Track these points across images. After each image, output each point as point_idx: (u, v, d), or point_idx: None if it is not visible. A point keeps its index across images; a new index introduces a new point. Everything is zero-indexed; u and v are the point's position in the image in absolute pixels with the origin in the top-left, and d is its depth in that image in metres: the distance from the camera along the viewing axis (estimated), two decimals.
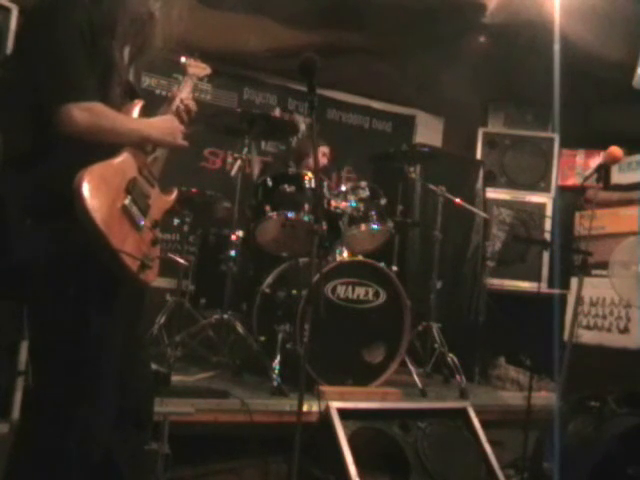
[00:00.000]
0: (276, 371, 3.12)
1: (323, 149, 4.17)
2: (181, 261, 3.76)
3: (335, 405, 2.83)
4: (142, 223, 1.82)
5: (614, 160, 3.14)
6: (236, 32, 4.46)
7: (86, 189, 1.62)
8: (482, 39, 4.39)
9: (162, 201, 1.99)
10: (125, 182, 1.77)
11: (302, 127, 4.26)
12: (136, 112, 1.92)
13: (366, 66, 4.98)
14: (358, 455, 2.70)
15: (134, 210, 1.78)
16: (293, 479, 2.32)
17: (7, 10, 3.92)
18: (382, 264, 3.46)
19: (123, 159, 1.79)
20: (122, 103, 1.88)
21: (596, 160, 5.11)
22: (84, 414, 1.76)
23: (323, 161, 4.19)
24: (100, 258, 1.71)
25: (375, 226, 3.63)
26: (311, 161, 4.12)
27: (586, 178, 3.27)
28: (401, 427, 2.91)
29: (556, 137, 5.21)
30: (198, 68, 2.30)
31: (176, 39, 1.99)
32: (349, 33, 4.50)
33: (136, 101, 1.95)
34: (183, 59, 2.30)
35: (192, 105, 2.10)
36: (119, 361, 1.85)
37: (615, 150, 3.08)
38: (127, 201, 1.75)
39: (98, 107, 1.74)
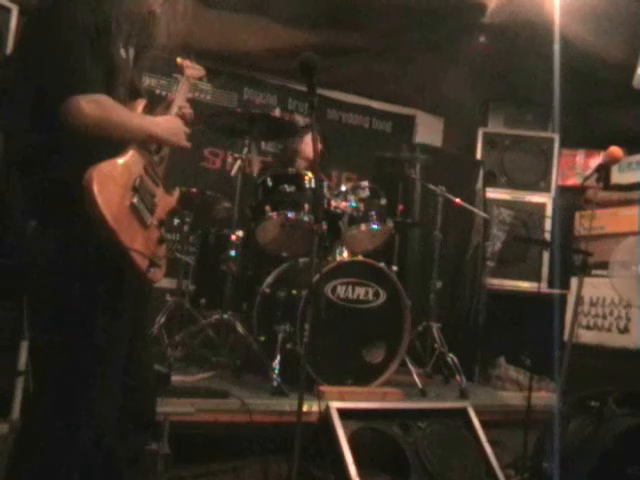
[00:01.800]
0: (276, 371, 3.11)
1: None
2: (188, 260, 3.78)
3: (335, 405, 2.82)
4: (149, 222, 1.82)
5: (614, 160, 3.13)
6: (236, 32, 4.46)
7: (96, 186, 1.61)
8: (482, 39, 4.39)
9: (166, 201, 1.99)
10: (132, 180, 1.77)
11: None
12: (139, 111, 1.92)
13: (366, 66, 4.98)
14: (358, 455, 2.69)
15: (142, 208, 1.78)
16: (293, 479, 2.32)
17: (7, 10, 3.94)
18: (382, 264, 3.46)
19: (130, 157, 1.79)
20: (125, 103, 1.88)
21: (596, 160, 5.11)
22: (87, 415, 1.76)
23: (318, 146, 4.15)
24: (109, 256, 1.71)
25: (375, 226, 3.63)
26: (303, 161, 4.12)
27: (586, 178, 3.27)
28: (401, 427, 2.90)
29: (556, 137, 5.20)
30: (194, 70, 2.30)
31: (181, 36, 1.99)
32: (349, 33, 4.50)
33: (139, 100, 1.94)
34: (179, 60, 2.30)
35: (188, 110, 2.11)
36: (123, 362, 1.85)
37: (615, 150, 3.08)
38: (135, 199, 1.75)
39: (105, 99, 1.73)
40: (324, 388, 3.07)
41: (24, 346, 3.33)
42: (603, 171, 3.15)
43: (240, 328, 3.37)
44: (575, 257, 4.10)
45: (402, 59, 4.77)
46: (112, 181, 1.68)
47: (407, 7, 4.04)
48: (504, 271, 4.96)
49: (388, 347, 3.42)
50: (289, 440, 2.30)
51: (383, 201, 3.68)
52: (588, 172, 3.77)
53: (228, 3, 4.23)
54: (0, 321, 3.49)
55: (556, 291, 4.30)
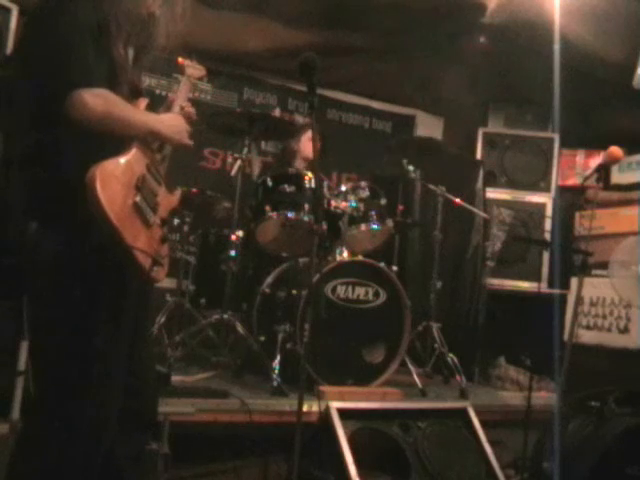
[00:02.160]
0: (276, 371, 3.12)
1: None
2: (189, 260, 3.79)
3: (335, 405, 2.83)
4: (152, 220, 1.82)
5: (614, 160, 3.14)
6: (236, 32, 4.46)
7: (99, 185, 1.60)
8: (482, 39, 4.40)
9: (168, 200, 1.99)
10: (134, 179, 1.76)
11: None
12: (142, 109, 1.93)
13: (366, 66, 5.00)
14: (358, 455, 2.69)
15: (145, 207, 1.77)
16: (293, 479, 2.33)
17: (7, 10, 3.95)
18: (382, 264, 3.47)
19: (132, 155, 1.78)
20: (128, 101, 1.88)
21: (596, 160, 5.12)
22: (88, 415, 1.76)
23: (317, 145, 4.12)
24: (112, 256, 1.71)
25: (375, 226, 3.64)
26: (301, 161, 4.12)
27: (586, 178, 3.28)
28: (401, 427, 2.91)
29: (556, 137, 5.21)
30: (195, 69, 2.30)
31: (179, 37, 1.99)
32: (349, 33, 4.51)
33: (141, 99, 1.94)
34: (180, 60, 2.31)
35: (190, 110, 2.11)
36: (125, 362, 1.85)
37: (615, 150, 3.08)
38: (138, 198, 1.74)
39: (108, 93, 1.73)
40: (324, 388, 3.08)
41: (24, 346, 3.34)
42: (603, 171, 3.16)
43: (240, 328, 3.37)
44: (575, 257, 4.10)
45: (402, 59, 4.78)
46: (115, 180, 1.67)
47: (407, 7, 4.05)
48: (504, 271, 4.96)
49: (388, 347, 3.42)
50: (289, 440, 2.31)
51: (383, 201, 3.69)
52: (588, 172, 3.77)
53: (228, 3, 4.24)
54: (0, 321, 3.51)
55: (556, 291, 4.31)
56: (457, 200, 4.02)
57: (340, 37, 4.52)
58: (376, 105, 5.59)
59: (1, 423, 3.25)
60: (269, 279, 3.58)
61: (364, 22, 4.31)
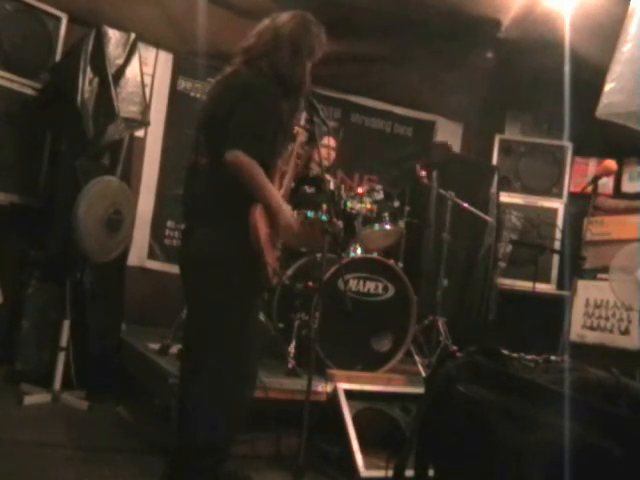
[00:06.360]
0: (291, 355, 3.42)
1: (331, 142, 4.24)
2: None
3: (342, 386, 3.11)
4: (278, 247, 2.49)
5: (608, 172, 3.37)
6: None
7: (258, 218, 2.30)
8: (489, 54, 4.61)
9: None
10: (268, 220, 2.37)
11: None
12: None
13: (389, 74, 5.20)
14: (361, 432, 2.96)
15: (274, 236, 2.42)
16: (302, 451, 2.62)
17: (57, 19, 4.31)
18: (391, 261, 3.74)
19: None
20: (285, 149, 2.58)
21: None
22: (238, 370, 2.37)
23: (332, 155, 4.26)
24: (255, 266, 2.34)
25: (387, 226, 3.90)
26: (316, 166, 4.36)
27: (584, 188, 3.51)
28: (402, 409, 3.17)
29: (569, 145, 5.40)
30: (301, 135, 3.04)
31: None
32: (368, 43, 4.72)
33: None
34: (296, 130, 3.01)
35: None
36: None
37: (609, 163, 3.32)
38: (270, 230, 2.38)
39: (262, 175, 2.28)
40: (334, 371, 3.35)
41: (66, 325, 3.70)
42: (597, 182, 3.39)
43: (261, 316, 3.66)
44: (575, 260, 4.31)
45: (422, 68, 4.99)
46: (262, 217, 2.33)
47: (424, 22, 4.28)
48: (514, 272, 5.17)
49: (395, 338, 3.69)
50: (300, 416, 2.60)
51: (396, 203, 3.95)
52: (584, 183, 3.99)
53: (259, 14, 4.51)
54: (46, 303, 3.89)
55: (554, 292, 4.53)
56: (465, 204, 4.24)
57: (360, 46, 4.72)
58: (398, 110, 5.77)
59: (44, 393, 3.63)
60: (289, 272, 3.88)
61: (383, 34, 4.54)
